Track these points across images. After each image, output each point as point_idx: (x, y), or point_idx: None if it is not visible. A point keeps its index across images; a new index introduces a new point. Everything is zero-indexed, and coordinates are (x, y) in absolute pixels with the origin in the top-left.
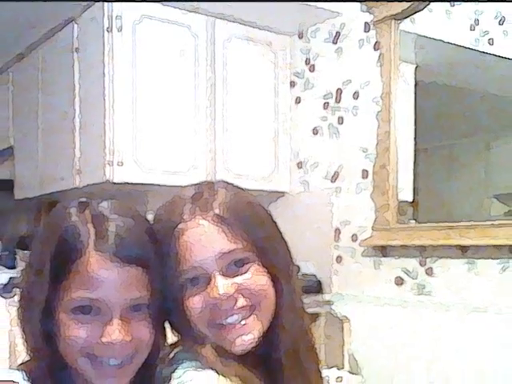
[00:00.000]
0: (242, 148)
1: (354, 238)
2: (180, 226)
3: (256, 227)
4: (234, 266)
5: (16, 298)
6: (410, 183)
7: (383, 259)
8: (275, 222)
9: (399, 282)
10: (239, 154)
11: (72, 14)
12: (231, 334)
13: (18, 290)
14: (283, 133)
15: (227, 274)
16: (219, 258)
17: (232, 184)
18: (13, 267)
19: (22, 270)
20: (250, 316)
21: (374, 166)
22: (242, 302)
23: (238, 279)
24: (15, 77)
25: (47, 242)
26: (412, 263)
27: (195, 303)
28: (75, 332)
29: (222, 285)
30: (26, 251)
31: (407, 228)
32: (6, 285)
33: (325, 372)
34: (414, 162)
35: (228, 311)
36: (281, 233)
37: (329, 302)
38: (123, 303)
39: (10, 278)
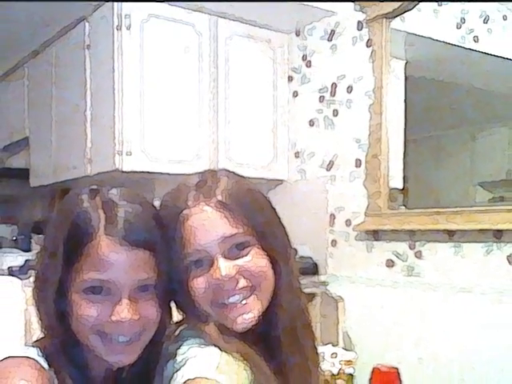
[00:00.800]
0: (242, 138)
1: (348, 222)
2: (185, 212)
3: (256, 213)
4: (236, 249)
5: (31, 279)
6: (400, 171)
7: (375, 243)
8: (274, 208)
9: (390, 264)
10: (240, 144)
11: (84, 13)
12: (233, 313)
13: (33, 271)
14: (281, 124)
15: (229, 256)
16: (221, 242)
17: (233, 172)
18: (28, 250)
19: (37, 253)
20: (250, 296)
21: (366, 155)
22: (242, 282)
23: (239, 261)
24: (30, 72)
25: (60, 226)
26: (402, 247)
27: (199, 284)
28: (87, 311)
29: (224, 267)
30: (40, 235)
31: (397, 214)
32: (21, 267)
33: (320, 348)
34: (404, 152)
35: (230, 291)
36: (279, 218)
37: (324, 283)
38: (131, 284)
39: (26, 260)
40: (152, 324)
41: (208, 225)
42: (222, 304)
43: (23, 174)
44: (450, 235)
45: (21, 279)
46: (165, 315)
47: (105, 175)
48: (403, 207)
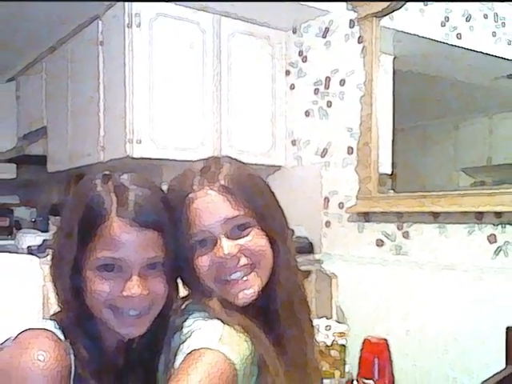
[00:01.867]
0: (244, 128)
1: (341, 205)
2: (190, 195)
3: (256, 196)
4: (237, 230)
5: (49, 258)
6: (389, 158)
7: (366, 224)
8: (272, 192)
9: (380, 243)
10: (242, 132)
11: (97, 12)
12: (234, 289)
13: (50, 250)
14: (279, 115)
15: (231, 236)
16: (224, 223)
17: (235, 159)
18: (46, 231)
19: (53, 234)
20: (250, 273)
21: (358, 143)
22: (243, 260)
23: (241, 241)
24: (48, 66)
25: (76, 209)
26: (391, 227)
27: (203, 262)
28: (100, 287)
29: (227, 246)
30: (57, 217)
31: (387, 197)
32: (40, 246)
33: (315, 321)
34: (393, 140)
35: (232, 269)
36: (277, 201)
37: (319, 261)
38: (141, 262)
39: (44, 240)
40: (160, 299)
41: (212, 207)
42: (224, 280)
43: (41, 160)
44: (435, 217)
45: (39, 257)
46: (172, 290)
47: (116, 162)
48: (392, 191)
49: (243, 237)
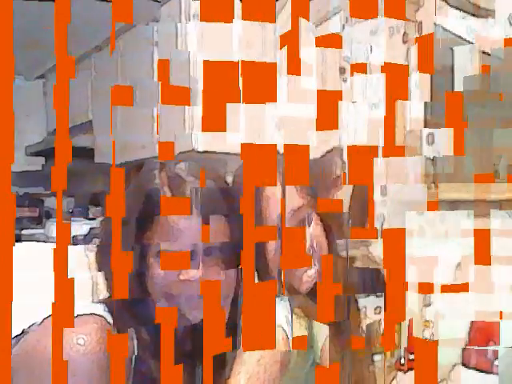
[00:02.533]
0: (306, 121)
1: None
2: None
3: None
4: (303, 218)
5: (94, 246)
6: None
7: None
8: None
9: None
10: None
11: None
12: (299, 271)
13: (96, 239)
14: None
15: (298, 224)
16: (293, 212)
17: None
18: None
19: (101, 222)
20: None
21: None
22: (308, 246)
23: (306, 229)
24: (96, 63)
25: (134, 199)
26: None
27: (271, 247)
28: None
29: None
30: (98, 207)
31: None
32: (86, 235)
33: (362, 302)
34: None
35: None
36: None
37: (366, 243)
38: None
39: (90, 228)
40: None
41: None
42: None
43: (83, 152)
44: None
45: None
46: (239, 276)
47: (182, 155)
48: None
49: (309, 224)
